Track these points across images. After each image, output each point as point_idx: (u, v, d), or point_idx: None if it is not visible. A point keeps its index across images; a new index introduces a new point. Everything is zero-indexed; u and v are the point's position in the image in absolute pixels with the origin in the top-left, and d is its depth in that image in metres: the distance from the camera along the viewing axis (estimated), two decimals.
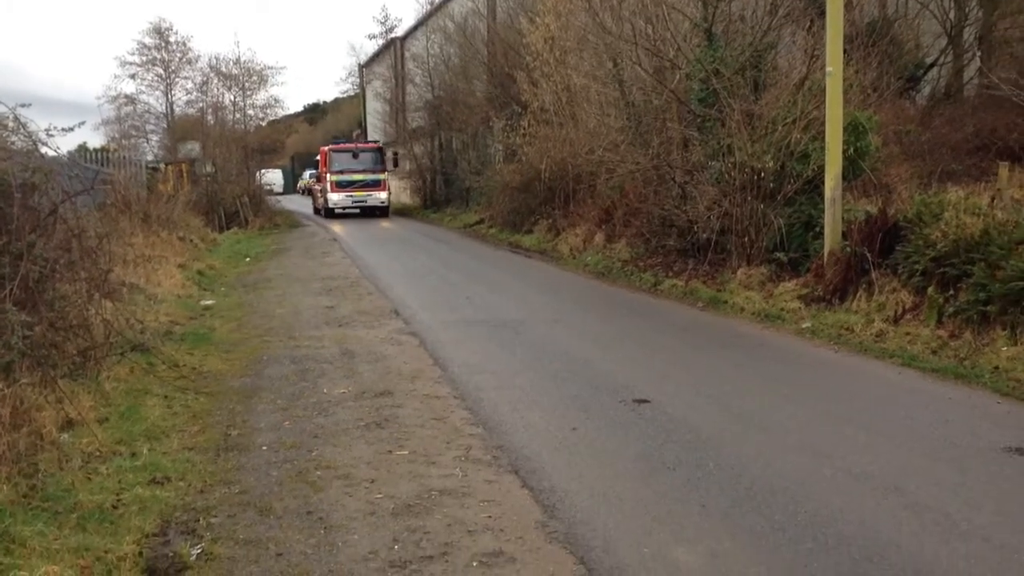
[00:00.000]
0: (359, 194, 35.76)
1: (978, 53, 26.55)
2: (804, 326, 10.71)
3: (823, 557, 4.80)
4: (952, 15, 26.04)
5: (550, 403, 7.96)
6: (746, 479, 5.94)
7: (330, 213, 36.01)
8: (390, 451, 6.69)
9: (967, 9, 26.24)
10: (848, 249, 11.09)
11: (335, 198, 35.84)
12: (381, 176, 36.36)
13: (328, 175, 36.17)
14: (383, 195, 36.25)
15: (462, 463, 6.39)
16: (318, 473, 6.25)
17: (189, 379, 8.94)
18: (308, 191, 61.66)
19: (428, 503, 5.65)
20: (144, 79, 43.64)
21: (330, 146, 37.69)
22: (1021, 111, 14.23)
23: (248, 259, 21.43)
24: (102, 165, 22.09)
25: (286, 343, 10.74)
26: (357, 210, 35.96)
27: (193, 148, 37.85)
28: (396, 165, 39.70)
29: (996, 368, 8.20)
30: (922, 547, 4.88)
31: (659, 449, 6.63)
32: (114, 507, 5.54)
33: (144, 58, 42.70)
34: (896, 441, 6.66)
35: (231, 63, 38.55)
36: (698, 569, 4.75)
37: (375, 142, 39.55)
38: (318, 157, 40.95)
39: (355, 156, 36.34)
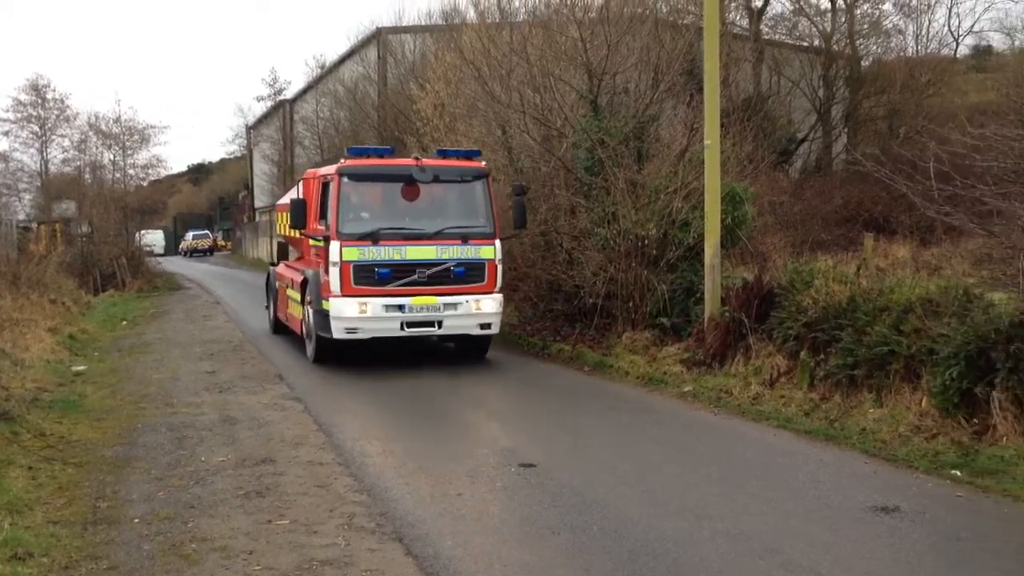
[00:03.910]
0: (425, 301, 12.68)
1: (845, 130, 28.23)
2: (686, 389, 10.97)
3: None
4: (821, 93, 27.69)
5: (436, 468, 7.89)
6: (629, 542, 5.99)
7: (325, 346, 13.18)
8: (270, 521, 6.48)
9: (835, 88, 27.93)
10: (727, 314, 11.46)
11: (345, 306, 12.48)
12: (485, 243, 13.12)
13: (329, 239, 12.67)
14: (489, 301, 13.05)
15: (345, 531, 6.24)
16: (193, 546, 6.00)
17: (56, 448, 8.50)
18: (190, 252, 60.17)
19: (309, 574, 5.49)
20: (18, 136, 41.98)
21: (346, 162, 13.18)
22: (884, 185, 15.13)
23: (125, 322, 20.66)
24: None
25: (163, 410, 10.35)
26: (411, 335, 12.97)
27: (68, 207, 36.45)
28: (523, 216, 13.93)
29: (863, 430, 8.55)
30: None
31: (544, 513, 6.64)
32: None
33: (19, 115, 41.16)
34: (772, 502, 6.85)
35: (111, 121, 37.47)
36: None
37: (470, 156, 14.08)
38: (286, 199, 17.33)
39: (412, 187, 12.99)
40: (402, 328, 12.51)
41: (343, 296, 12.33)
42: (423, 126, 22.99)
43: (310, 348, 13.58)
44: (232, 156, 68.17)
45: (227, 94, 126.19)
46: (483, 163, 13.69)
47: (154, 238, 49.86)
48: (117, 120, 37.31)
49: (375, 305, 12.34)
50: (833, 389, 9.47)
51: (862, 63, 28.59)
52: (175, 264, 45.87)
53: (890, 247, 15.04)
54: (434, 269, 12.58)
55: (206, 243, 62.33)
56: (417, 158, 13.13)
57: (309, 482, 7.42)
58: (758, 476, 7.55)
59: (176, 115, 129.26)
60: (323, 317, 12.64)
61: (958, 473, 7.25)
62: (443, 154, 14.06)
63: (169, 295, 28.60)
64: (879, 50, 29.18)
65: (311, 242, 13.92)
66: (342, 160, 13.01)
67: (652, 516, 6.54)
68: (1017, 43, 30.96)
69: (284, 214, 16.63)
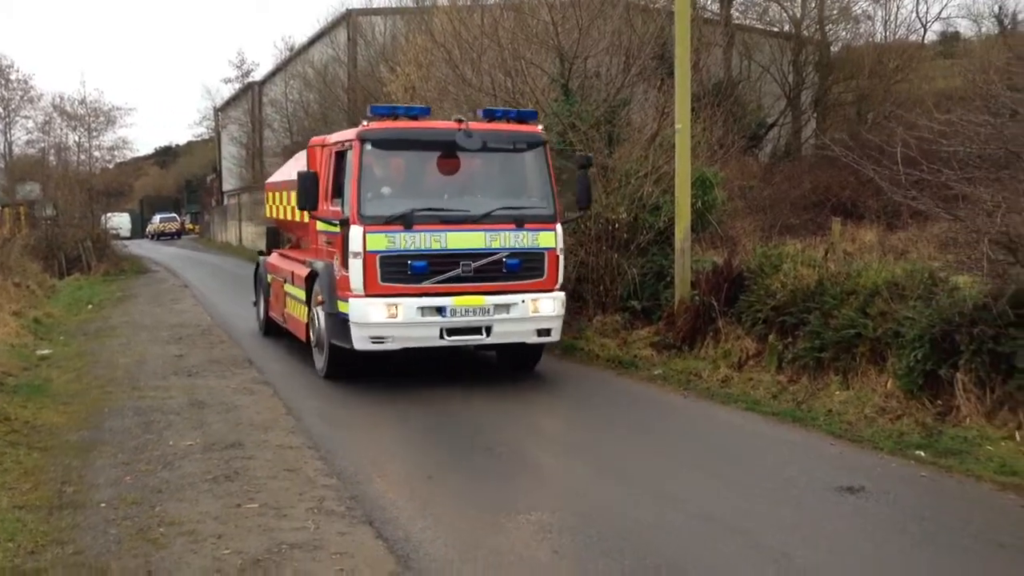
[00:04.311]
0: (470, 302, 9.98)
1: (814, 115, 28.42)
2: (656, 372, 11.03)
3: None
4: (791, 79, 27.83)
5: (407, 452, 7.89)
6: (599, 524, 6.02)
7: (342, 359, 10.51)
8: (239, 504, 6.44)
9: (804, 74, 28.09)
10: (697, 298, 11.53)
11: (370, 309, 9.78)
12: (544, 228, 10.40)
13: (348, 223, 9.95)
14: (549, 301, 10.39)
15: (315, 515, 6.22)
16: (161, 530, 5.95)
17: (21, 433, 8.38)
18: (157, 236, 59.44)
19: (278, 557, 5.47)
20: None
21: (369, 125, 10.20)
22: (853, 170, 15.25)
23: (91, 306, 20.40)
24: None
25: (130, 394, 10.25)
26: (453, 344, 10.26)
27: (33, 189, 35.81)
28: (588, 193, 11.29)
29: (830, 411, 8.65)
30: None
31: (514, 497, 6.66)
32: None
33: None
34: (740, 484, 6.92)
35: (76, 103, 36.92)
36: None
37: (524, 118, 11.07)
38: (280, 177, 15.00)
39: (452, 158, 10.25)
40: (442, 336, 9.92)
41: (367, 296, 9.75)
42: None
43: (320, 360, 11.00)
44: (200, 139, 67.49)
45: (195, 76, 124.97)
46: (540, 127, 11.13)
47: (120, 221, 49.10)
48: (83, 101, 36.83)
49: (408, 307, 9.75)
50: (801, 372, 9.57)
51: (831, 49, 28.77)
52: (142, 247, 45.34)
53: (857, 231, 15.18)
54: (482, 261, 9.99)
55: (173, 226, 61.61)
56: (460, 120, 10.32)
57: (279, 466, 7.39)
58: (726, 458, 7.62)
59: (143, 97, 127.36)
60: (339, 322, 10.10)
61: (922, 454, 7.36)
62: (490, 115, 10.95)
63: (136, 278, 28.28)
64: (848, 36, 29.38)
65: (320, 227, 11.13)
66: (363, 122, 10.19)
67: (623, 498, 6.58)
68: (984, 29, 31.32)
69: (276, 193, 14.47)
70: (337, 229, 10.19)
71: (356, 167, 9.94)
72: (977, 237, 8.21)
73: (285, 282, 12.91)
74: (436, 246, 9.85)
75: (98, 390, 10.49)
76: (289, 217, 13.23)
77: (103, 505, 6.46)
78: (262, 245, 33.63)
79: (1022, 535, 5.74)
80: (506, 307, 10.07)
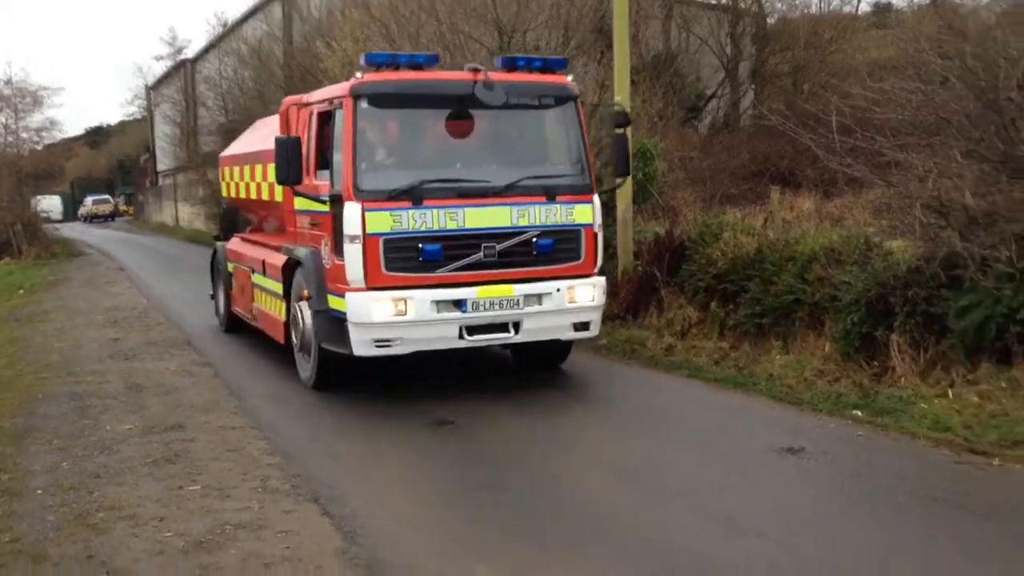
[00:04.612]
0: (495, 292, 8.33)
1: (752, 86, 28.70)
2: (600, 343, 11.07)
3: (621, 565, 4.96)
4: (728, 51, 28.03)
5: (352, 428, 7.83)
6: (550, 497, 6.04)
7: (335, 366, 8.84)
8: (181, 487, 6.34)
9: (741, 46, 28.30)
10: (639, 268, 11.60)
11: (373, 305, 8.06)
12: (580, 201, 8.82)
13: (341, 199, 8.24)
14: (587, 288, 8.80)
15: (259, 494, 6.15)
16: (100, 515, 5.83)
17: None
18: (90, 218, 58.01)
19: (222, 538, 5.40)
20: None
21: (364, 78, 8.38)
22: (790, 140, 15.42)
23: (22, 291, 19.85)
24: None
25: (65, 379, 9.99)
26: (474, 345, 8.60)
27: None
28: (627, 153, 9.86)
29: (771, 376, 8.79)
30: (708, 547, 5.14)
31: (462, 470, 6.65)
32: None
33: None
34: (684, 449, 7.01)
35: (1, 83, 35.69)
36: None
37: (550, 67, 9.22)
38: (237, 149, 13.44)
39: (465, 117, 8.58)
40: (461, 336, 8.29)
41: (368, 289, 8.03)
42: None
43: (306, 368, 9.23)
44: (132, 118, 65.58)
45: (125, 54, 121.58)
46: (570, 78, 9.31)
47: (51, 204, 47.71)
48: (8, 82, 35.48)
49: (420, 302, 8.05)
50: (742, 338, 9.71)
51: (768, 20, 29.02)
52: (75, 230, 44.22)
53: (795, 200, 15.36)
54: (508, 242, 8.35)
55: (107, 208, 60.16)
56: (477, 69, 8.45)
57: (221, 447, 7.28)
58: (670, 424, 7.72)
59: (71, 77, 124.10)
60: (332, 322, 8.47)
61: (859, 413, 7.52)
62: (510, 64, 9.05)
63: (69, 262, 27.57)
64: (784, 7, 29.62)
65: (299, 205, 9.35)
66: (356, 75, 8.37)
67: (569, 469, 6.60)
68: (915, 0, 31.86)
69: (234, 169, 12.65)
70: (325, 208, 8.49)
71: (349, 130, 8.18)
72: (910, 202, 8.37)
73: (253, 272, 11.12)
74: (452, 225, 8.17)
75: (32, 376, 10.22)
76: (254, 195, 11.54)
77: (39, 492, 6.30)
78: (199, 226, 32.52)
79: (955, 489, 5.90)
80: (538, 297, 8.45)
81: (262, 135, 11.66)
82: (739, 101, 28.38)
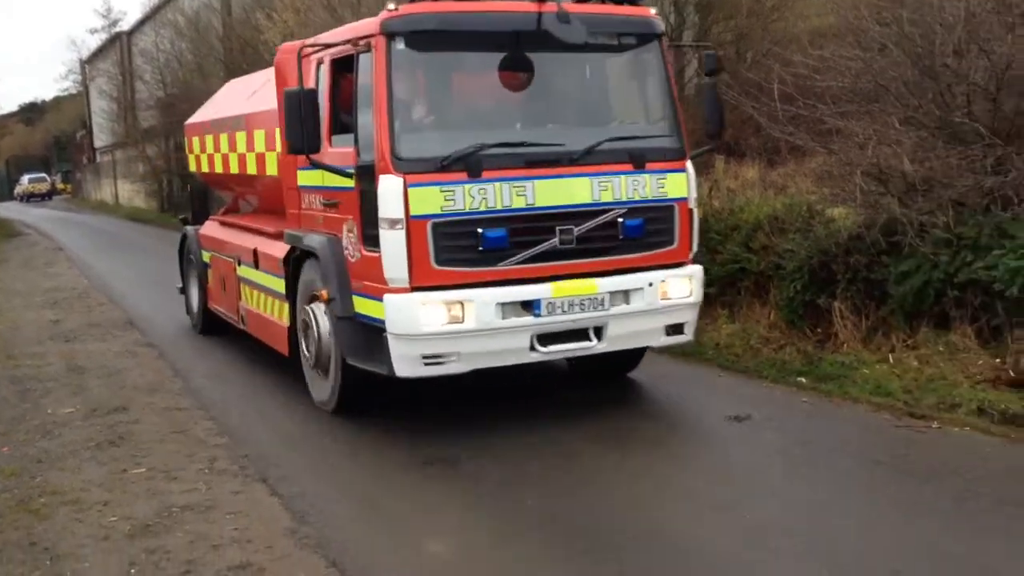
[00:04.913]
0: (576, 289, 6.60)
1: (696, 55, 28.78)
2: None
3: (568, 543, 5.00)
4: (672, 19, 28.07)
5: (301, 407, 7.75)
6: (495, 473, 6.00)
7: (363, 386, 7.06)
8: (125, 470, 6.24)
9: (685, 14, 28.34)
10: None
11: (421, 311, 6.29)
12: (673, 168, 7.06)
13: (373, 171, 6.40)
14: (682, 281, 7.09)
15: (206, 476, 6.08)
16: (43, 500, 5.73)
17: None
18: (27, 197, 56.52)
19: (169, 521, 5.33)
20: None
21: (400, 9, 6.49)
22: (733, 108, 15.49)
23: None
24: None
25: (4, 363, 9.75)
26: (548, 358, 6.91)
27: None
28: (720, 105, 7.91)
29: (717, 345, 8.89)
30: (670, 522, 5.19)
31: (411, 446, 6.63)
32: None
33: None
34: (637, 419, 7.07)
35: None
36: (451, 560, 4.86)
37: None
38: (207, 115, 11.31)
39: (524, 63, 6.76)
40: (533, 348, 6.54)
41: (414, 290, 6.29)
42: (272, 57, 22.14)
43: (324, 387, 7.37)
44: (67, 93, 63.88)
45: (58, 27, 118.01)
46: (654, 10, 7.53)
47: None
48: None
49: (483, 305, 6.32)
50: None
51: None
52: (11, 210, 43.13)
53: (740, 169, 15.45)
54: (590, 224, 6.61)
55: (44, 187, 58.67)
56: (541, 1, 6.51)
57: (166, 428, 7.18)
58: (620, 396, 7.76)
59: (2, 52, 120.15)
60: (362, 332, 6.73)
61: (803, 380, 7.65)
62: None
63: (5, 243, 26.86)
64: None
65: (304, 180, 7.53)
66: (389, 6, 6.50)
67: (512, 445, 6.50)
68: None
69: (204, 138, 10.82)
70: (349, 183, 6.67)
71: (383, 80, 6.32)
72: (850, 170, 8.45)
73: (239, 263, 9.27)
74: (519, 203, 6.41)
75: None
76: (234, 169, 9.76)
77: None
78: (140, 203, 31.57)
79: (896, 452, 6.04)
80: (624, 294, 6.76)
81: (239, 97, 10.23)
82: (683, 70, 28.44)
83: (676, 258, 7.04)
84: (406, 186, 6.20)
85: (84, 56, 51.34)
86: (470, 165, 6.29)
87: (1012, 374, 6.76)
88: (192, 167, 11.76)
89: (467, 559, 4.87)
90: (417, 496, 5.68)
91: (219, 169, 10.40)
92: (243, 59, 26.99)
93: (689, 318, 7.17)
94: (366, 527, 5.27)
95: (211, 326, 10.65)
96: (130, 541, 5.08)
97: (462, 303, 6.29)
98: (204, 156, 10.94)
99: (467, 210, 6.30)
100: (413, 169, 6.24)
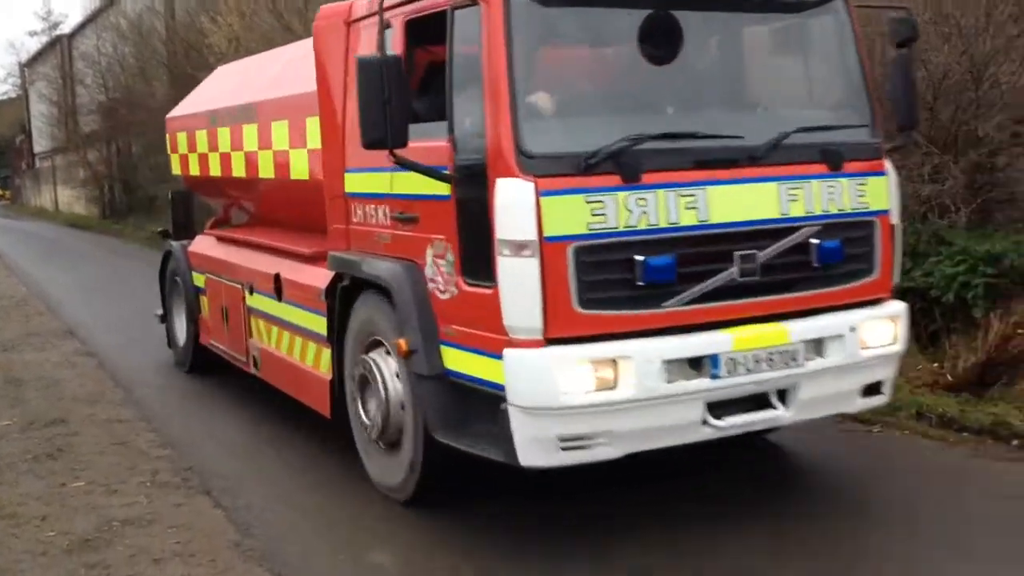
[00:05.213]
0: (764, 339, 4.70)
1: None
2: None
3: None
4: None
5: (247, 415, 7.66)
6: None
7: (447, 466, 5.12)
8: (64, 484, 6.10)
9: None
10: None
11: (559, 372, 4.35)
12: (871, 170, 5.12)
13: (487, 171, 4.49)
14: (885, 324, 5.14)
15: (148, 489, 5.95)
16: None
17: None
18: None
19: (109, 535, 5.21)
20: None
21: None
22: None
23: None
24: None
25: None
26: (724, 434, 4.79)
27: None
28: (913, 87, 5.56)
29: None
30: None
31: (357, 457, 6.55)
32: None
33: None
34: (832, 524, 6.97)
35: None
36: (393, 571, 4.92)
37: None
38: (195, 106, 9.27)
39: (675, 27, 4.72)
40: (705, 422, 4.66)
41: (549, 343, 4.44)
42: (216, 62, 21.87)
43: (394, 469, 5.50)
44: (5, 97, 62.43)
45: None
46: None
47: None
48: None
49: (645, 363, 4.47)
50: None
51: None
52: None
53: None
54: (776, 247, 4.77)
55: None
56: None
57: (106, 440, 7.02)
58: (774, 479, 7.65)
59: None
60: (459, 398, 4.91)
61: None
62: None
63: None
64: None
65: (350, 187, 5.75)
66: None
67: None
68: None
69: (196, 134, 8.85)
70: (436, 190, 4.83)
71: (500, 44, 4.47)
72: None
73: (250, 292, 7.51)
74: (690, 219, 4.61)
75: None
76: (239, 172, 7.89)
77: None
78: (80, 210, 30.82)
79: (839, 454, 6.13)
80: (817, 343, 4.93)
81: (240, 83, 8.44)
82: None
83: (875, 292, 5.18)
84: (538, 194, 4.36)
85: (23, 59, 50.28)
86: (625, 165, 4.48)
87: (950, 378, 6.93)
88: (176, 169, 9.74)
89: (409, 569, 4.86)
90: (363, 507, 5.62)
91: (215, 172, 8.44)
92: (187, 63, 26.59)
93: (889, 374, 5.32)
94: (312, 539, 5.21)
95: (200, 363, 8.91)
96: (68, 556, 4.95)
97: (615, 362, 4.44)
98: (193, 156, 8.96)
99: (622, 228, 4.47)
100: (547, 170, 4.40)
